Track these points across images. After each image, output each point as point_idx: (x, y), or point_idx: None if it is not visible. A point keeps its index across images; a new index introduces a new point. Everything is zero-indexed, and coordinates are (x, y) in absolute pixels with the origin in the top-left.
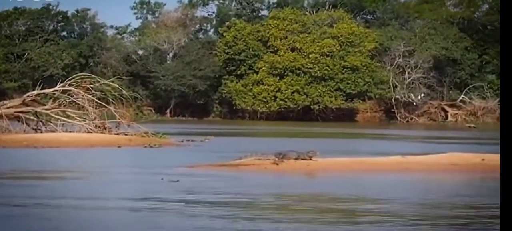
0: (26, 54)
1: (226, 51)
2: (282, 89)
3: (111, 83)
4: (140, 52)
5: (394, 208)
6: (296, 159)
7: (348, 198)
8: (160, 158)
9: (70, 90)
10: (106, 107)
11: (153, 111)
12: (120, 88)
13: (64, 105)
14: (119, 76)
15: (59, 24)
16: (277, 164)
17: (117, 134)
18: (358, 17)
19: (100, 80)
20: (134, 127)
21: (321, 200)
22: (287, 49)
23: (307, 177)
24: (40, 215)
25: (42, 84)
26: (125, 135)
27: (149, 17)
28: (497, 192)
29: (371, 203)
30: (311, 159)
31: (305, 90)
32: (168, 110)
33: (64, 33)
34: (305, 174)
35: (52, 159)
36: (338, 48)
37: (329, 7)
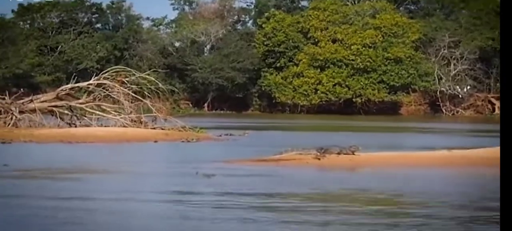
0: (60, 47)
1: (265, 43)
2: (323, 81)
3: (147, 76)
4: (177, 44)
5: (437, 203)
6: (338, 153)
7: (391, 193)
8: (197, 152)
9: (105, 83)
10: (142, 101)
11: (190, 105)
12: (157, 82)
13: (99, 99)
14: (155, 69)
15: (93, 16)
16: (319, 159)
17: (154, 128)
18: (401, 7)
19: (135, 74)
20: (171, 121)
21: (365, 195)
22: (328, 40)
23: (349, 172)
24: (76, 209)
25: (76, 77)
26: (162, 129)
27: (186, 8)
28: None
29: (414, 197)
30: (353, 154)
31: (347, 83)
32: (205, 104)
33: (99, 25)
34: (347, 169)
35: (88, 154)
36: (380, 39)
37: None
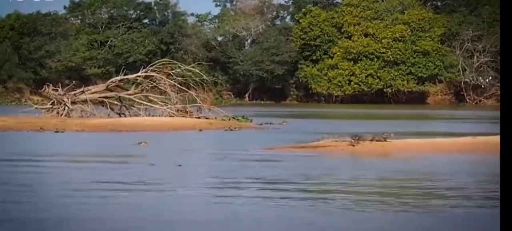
0: (109, 41)
1: (302, 37)
2: (356, 73)
3: (192, 68)
4: (219, 38)
5: (463, 186)
6: (371, 140)
7: (422, 177)
8: (240, 140)
9: (152, 75)
10: (187, 92)
11: (232, 95)
12: (201, 74)
13: (147, 91)
14: (199, 62)
15: (141, 13)
16: (353, 146)
17: (198, 117)
18: (428, 4)
19: (181, 66)
20: (214, 111)
21: (399, 180)
22: (360, 34)
23: (382, 157)
24: (126, 197)
25: (125, 70)
26: (206, 118)
27: (228, 4)
28: None
29: (443, 181)
30: (385, 140)
31: (378, 74)
32: (246, 95)
33: (146, 21)
34: (380, 155)
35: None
36: (409, 33)
37: None
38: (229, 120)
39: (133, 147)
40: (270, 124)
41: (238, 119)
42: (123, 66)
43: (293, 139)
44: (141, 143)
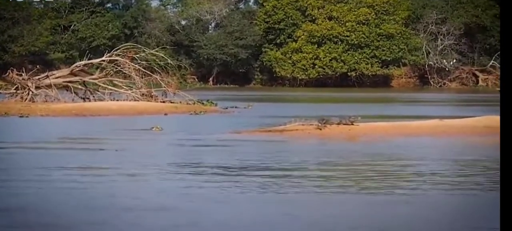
0: (73, 25)
1: (266, 20)
2: (320, 57)
3: (156, 52)
4: (183, 22)
5: (432, 169)
6: (338, 124)
7: (391, 159)
8: (206, 124)
9: (116, 60)
10: (151, 76)
11: (196, 79)
12: (165, 58)
13: (111, 75)
14: (163, 46)
15: None
16: (320, 129)
17: (163, 102)
18: None
19: (146, 50)
20: (179, 95)
21: (364, 162)
22: (324, 18)
23: (349, 141)
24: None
25: (89, 54)
26: (171, 102)
27: None
28: None
29: (412, 164)
30: (352, 124)
31: (342, 58)
32: (210, 79)
33: (109, 5)
34: (347, 138)
35: (101, 126)
36: (373, 16)
37: None
38: (194, 104)
39: (98, 132)
40: (236, 107)
41: (203, 103)
42: (87, 51)
43: (259, 122)
44: (153, 128)
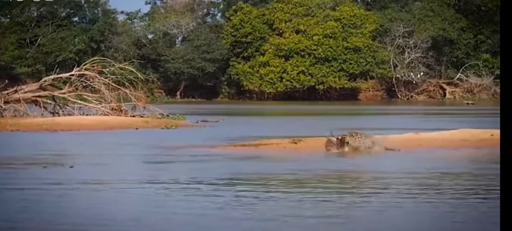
0: (39, 40)
1: (233, 34)
2: (287, 70)
3: (126, 66)
4: (150, 36)
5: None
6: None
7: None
8: (179, 138)
9: (86, 74)
10: (121, 90)
11: (164, 93)
12: (135, 71)
13: (80, 89)
14: (131, 60)
15: (71, 11)
16: (295, 143)
17: (133, 116)
18: (359, 0)
19: (115, 64)
20: (149, 109)
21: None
22: (292, 31)
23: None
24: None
25: (57, 69)
26: (141, 117)
27: (158, 2)
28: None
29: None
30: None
31: (310, 71)
32: (178, 92)
33: (76, 19)
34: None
35: (73, 142)
36: (340, 30)
37: None
38: (164, 117)
39: (70, 147)
40: (206, 121)
41: (173, 117)
42: (55, 65)
43: (232, 137)
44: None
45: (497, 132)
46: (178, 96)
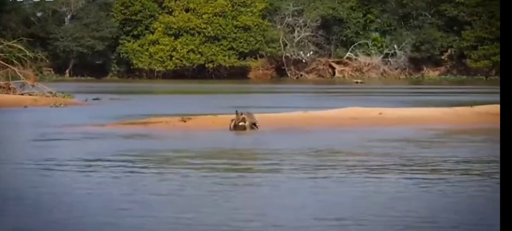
0: None
1: (122, 12)
2: (177, 48)
3: (14, 44)
4: (39, 14)
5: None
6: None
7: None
8: (68, 117)
9: None
10: (9, 68)
11: (53, 71)
12: (24, 50)
13: None
14: (19, 38)
15: None
16: (185, 121)
17: (22, 94)
18: None
19: (3, 42)
20: (38, 87)
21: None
22: (181, 10)
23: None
24: None
25: None
26: (30, 95)
27: None
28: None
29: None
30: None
31: (199, 50)
32: (67, 71)
33: None
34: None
35: None
36: (230, 8)
37: None
38: (53, 96)
39: None
40: (96, 99)
41: (62, 95)
42: None
43: (122, 115)
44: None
45: (385, 110)
46: (67, 74)
